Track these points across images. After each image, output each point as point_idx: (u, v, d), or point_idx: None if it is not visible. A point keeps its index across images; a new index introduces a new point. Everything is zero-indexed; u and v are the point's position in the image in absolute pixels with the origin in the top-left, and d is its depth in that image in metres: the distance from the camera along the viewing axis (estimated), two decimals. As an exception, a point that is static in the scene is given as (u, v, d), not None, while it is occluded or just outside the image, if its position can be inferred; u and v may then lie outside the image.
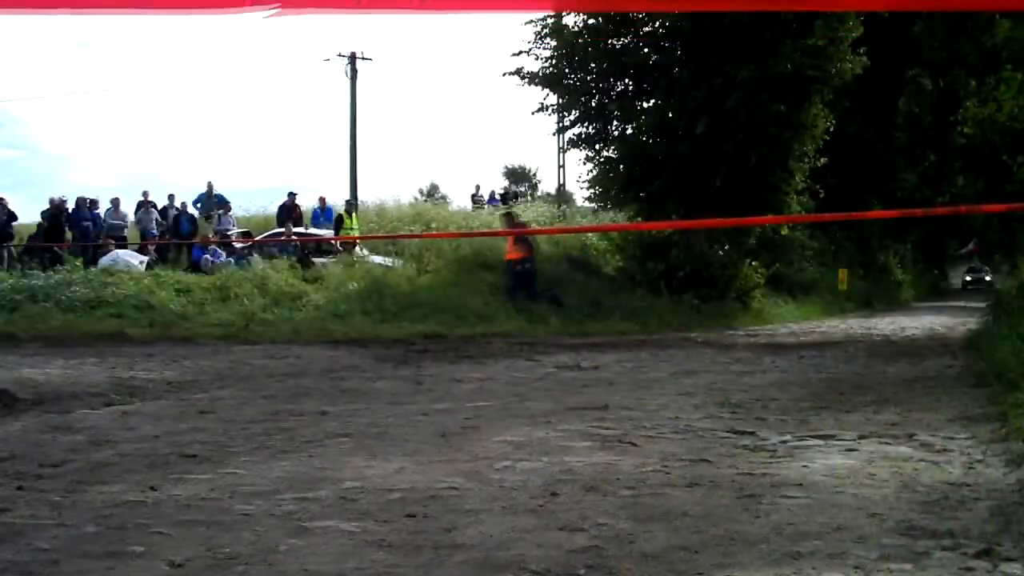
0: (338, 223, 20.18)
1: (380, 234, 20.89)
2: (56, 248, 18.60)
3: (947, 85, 23.83)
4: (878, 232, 32.59)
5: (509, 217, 18.21)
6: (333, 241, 19.49)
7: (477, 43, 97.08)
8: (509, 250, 16.58)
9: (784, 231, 22.40)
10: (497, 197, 28.66)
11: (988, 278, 45.88)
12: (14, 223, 19.74)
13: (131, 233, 20.72)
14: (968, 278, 50.21)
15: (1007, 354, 7.88)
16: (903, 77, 27.64)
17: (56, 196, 20.30)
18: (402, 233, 20.48)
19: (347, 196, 26.51)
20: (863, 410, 6.89)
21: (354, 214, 20.92)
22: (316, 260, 18.38)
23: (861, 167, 27.87)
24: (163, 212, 21.00)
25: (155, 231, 20.60)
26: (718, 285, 18.71)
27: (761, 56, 17.52)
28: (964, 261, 57.21)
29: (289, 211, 21.31)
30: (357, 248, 19.62)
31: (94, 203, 20.62)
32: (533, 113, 20.22)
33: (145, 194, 21.35)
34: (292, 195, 21.62)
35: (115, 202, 20.76)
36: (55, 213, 19.82)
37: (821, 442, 5.57)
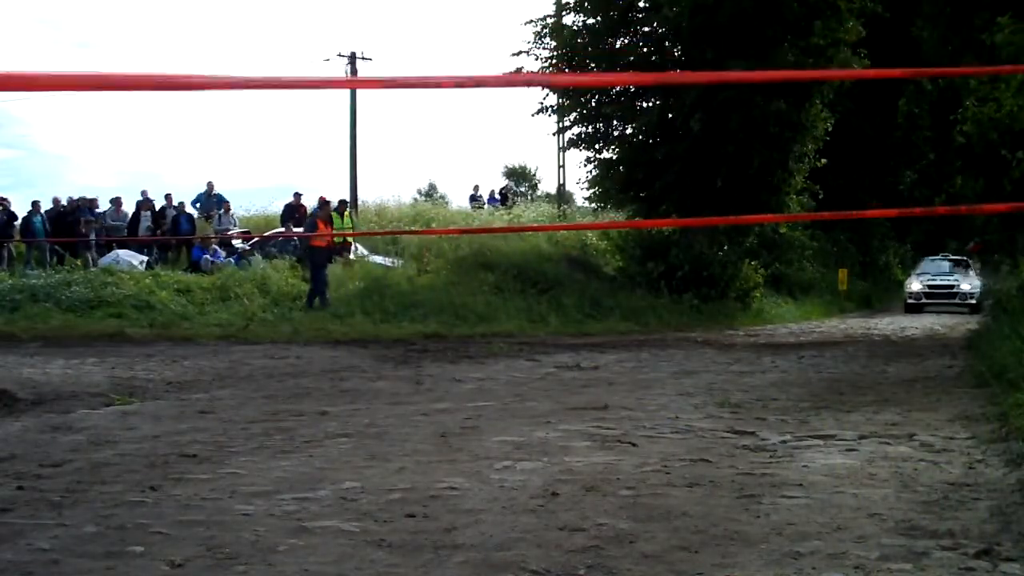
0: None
1: (378, 234, 20.89)
2: (58, 247, 18.59)
3: (947, 85, 23.85)
4: (878, 232, 32.59)
5: (328, 207, 17.59)
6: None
7: (477, 43, 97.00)
8: (318, 239, 15.81)
9: (783, 229, 22.40)
10: (497, 197, 28.62)
11: (968, 286, 24.16)
12: (15, 223, 19.71)
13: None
14: (916, 288, 24.53)
15: (1007, 354, 7.89)
16: (903, 77, 27.64)
17: (72, 196, 20.34)
18: (399, 231, 20.47)
19: (347, 196, 26.47)
20: (863, 410, 6.89)
21: (345, 213, 20.90)
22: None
23: (861, 167, 27.87)
24: (161, 212, 20.95)
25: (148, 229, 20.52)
26: (718, 285, 18.71)
27: (759, 54, 17.52)
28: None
29: (294, 210, 21.32)
30: (359, 248, 19.61)
31: (93, 203, 20.61)
32: (533, 115, 20.25)
33: (143, 193, 21.30)
34: (298, 195, 21.66)
35: (115, 201, 20.77)
36: (64, 212, 19.80)
37: (821, 442, 5.57)
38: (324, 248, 15.94)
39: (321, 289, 15.61)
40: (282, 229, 20.21)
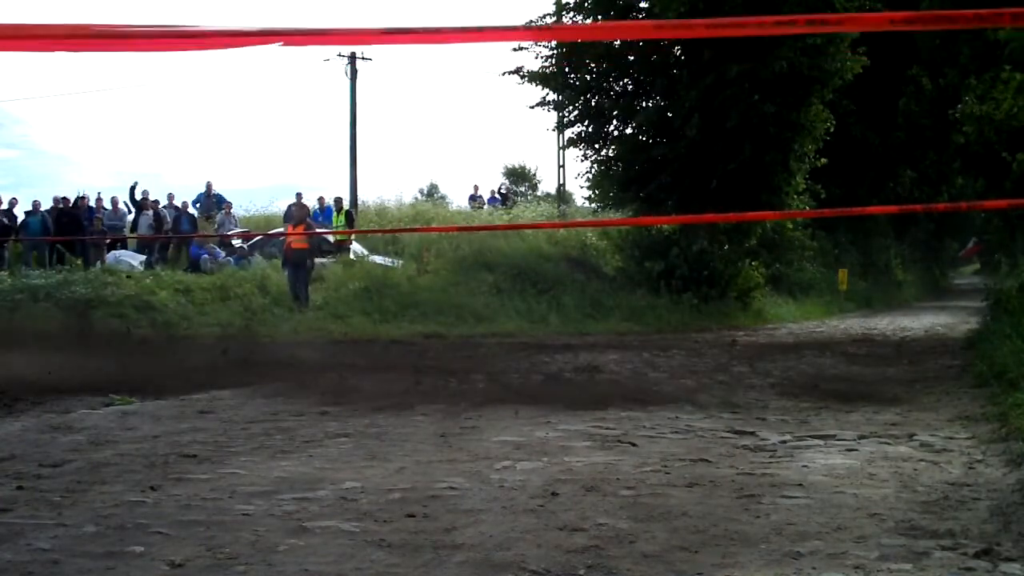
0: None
1: (375, 232, 20.91)
2: (60, 247, 18.59)
3: (946, 84, 23.82)
4: (879, 232, 32.58)
5: (303, 207, 17.85)
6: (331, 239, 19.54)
7: (477, 43, 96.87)
8: (296, 239, 15.90)
9: (789, 226, 22.40)
10: (498, 196, 28.61)
11: None
12: (15, 223, 19.73)
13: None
14: None
15: (1007, 354, 7.88)
16: (903, 77, 27.63)
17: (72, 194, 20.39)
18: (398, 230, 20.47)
19: (347, 196, 26.49)
20: (863, 410, 6.89)
21: (342, 211, 20.97)
22: (316, 260, 18.38)
23: (862, 168, 27.86)
24: (159, 212, 20.95)
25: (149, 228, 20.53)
26: (718, 285, 18.70)
27: (758, 55, 17.51)
28: (964, 263, 56.03)
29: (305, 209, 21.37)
30: (359, 247, 19.65)
31: (98, 201, 20.65)
32: (532, 107, 20.24)
33: (137, 191, 21.21)
34: (299, 195, 21.72)
35: (113, 201, 20.80)
36: (70, 212, 19.81)
37: (821, 442, 5.57)
38: (293, 250, 15.95)
39: (294, 290, 15.60)
40: (282, 229, 20.22)
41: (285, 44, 2.22)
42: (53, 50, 2.24)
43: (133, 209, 20.60)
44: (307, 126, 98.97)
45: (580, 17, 19.52)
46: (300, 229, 15.99)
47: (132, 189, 20.75)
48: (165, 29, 2.24)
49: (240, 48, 2.19)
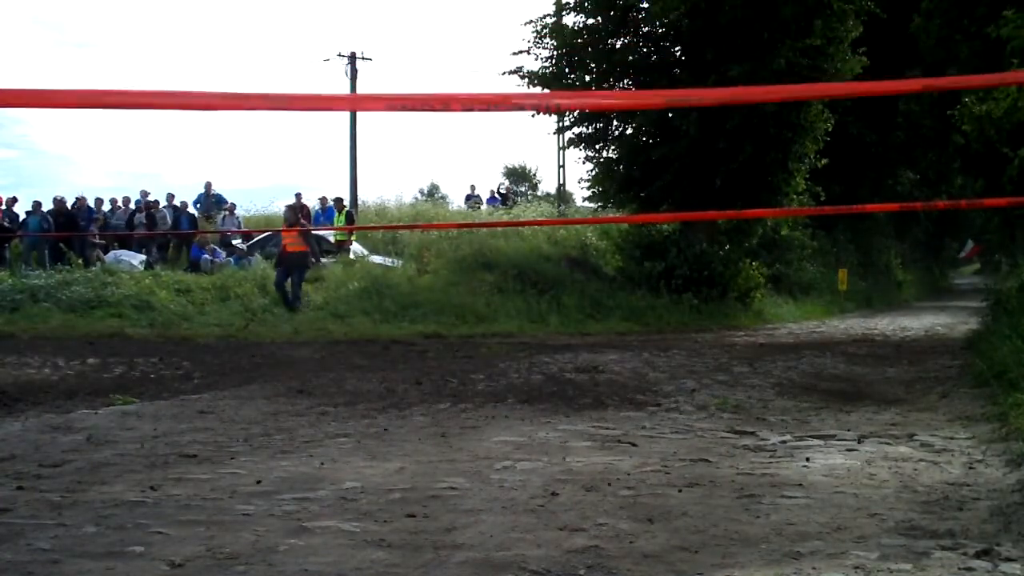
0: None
1: (374, 228, 20.93)
2: (62, 246, 18.60)
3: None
4: (879, 232, 32.57)
5: (302, 210, 18.02)
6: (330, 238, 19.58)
7: (477, 43, 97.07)
8: (291, 242, 15.83)
9: (784, 231, 22.35)
10: (497, 196, 28.59)
11: None
12: (16, 222, 19.76)
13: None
14: None
15: (1007, 354, 7.87)
16: (903, 77, 27.62)
17: (64, 196, 20.42)
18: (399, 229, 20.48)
19: (347, 196, 26.49)
20: (863, 410, 6.89)
21: (343, 211, 21.00)
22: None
23: (862, 168, 27.86)
24: (155, 214, 20.99)
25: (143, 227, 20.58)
26: (718, 285, 18.69)
27: (758, 55, 17.50)
28: (965, 263, 55.94)
29: (298, 211, 21.38)
30: (359, 247, 19.66)
31: (98, 202, 20.66)
32: (533, 116, 20.22)
33: (143, 194, 21.35)
34: (299, 195, 21.75)
35: (125, 200, 20.87)
36: (66, 211, 19.83)
37: (821, 442, 5.57)
38: (288, 252, 15.92)
39: (282, 292, 15.59)
40: (280, 228, 20.23)
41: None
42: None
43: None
44: (307, 126, 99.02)
45: (580, 17, 19.51)
46: (292, 231, 15.98)
47: (138, 202, 20.87)
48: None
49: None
